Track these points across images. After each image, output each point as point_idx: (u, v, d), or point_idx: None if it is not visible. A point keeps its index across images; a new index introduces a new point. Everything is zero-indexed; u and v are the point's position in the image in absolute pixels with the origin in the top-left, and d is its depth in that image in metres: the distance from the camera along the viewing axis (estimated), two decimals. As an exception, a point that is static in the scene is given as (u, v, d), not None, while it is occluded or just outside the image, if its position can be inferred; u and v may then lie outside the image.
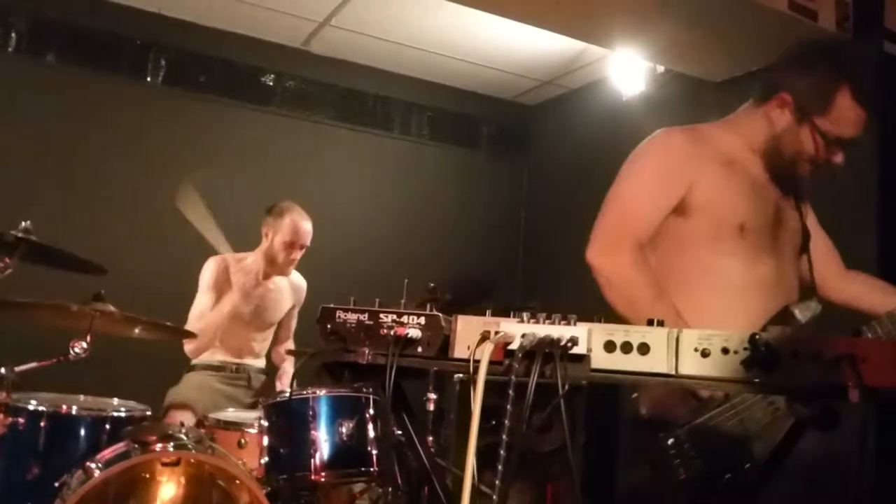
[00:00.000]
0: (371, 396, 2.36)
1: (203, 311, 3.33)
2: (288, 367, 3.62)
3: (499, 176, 5.41)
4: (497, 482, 0.98)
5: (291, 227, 3.44)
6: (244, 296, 3.36)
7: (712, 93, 3.92)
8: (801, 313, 1.80)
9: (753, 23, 3.26)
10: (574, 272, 5.02)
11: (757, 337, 1.13)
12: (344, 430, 2.33)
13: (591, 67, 4.67)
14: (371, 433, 2.37)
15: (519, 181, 5.48)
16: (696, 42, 3.53)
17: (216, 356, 3.48)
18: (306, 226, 3.49)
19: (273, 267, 3.49)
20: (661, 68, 4.25)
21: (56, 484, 2.20)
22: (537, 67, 4.81)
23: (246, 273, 3.35)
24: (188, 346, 3.32)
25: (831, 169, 2.01)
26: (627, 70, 4.40)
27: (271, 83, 4.72)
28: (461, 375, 1.19)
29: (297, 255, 3.49)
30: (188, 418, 3.14)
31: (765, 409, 1.72)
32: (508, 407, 1.02)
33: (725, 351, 1.15)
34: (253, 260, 3.45)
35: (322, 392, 2.38)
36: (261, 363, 3.61)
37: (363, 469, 2.38)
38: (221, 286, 3.40)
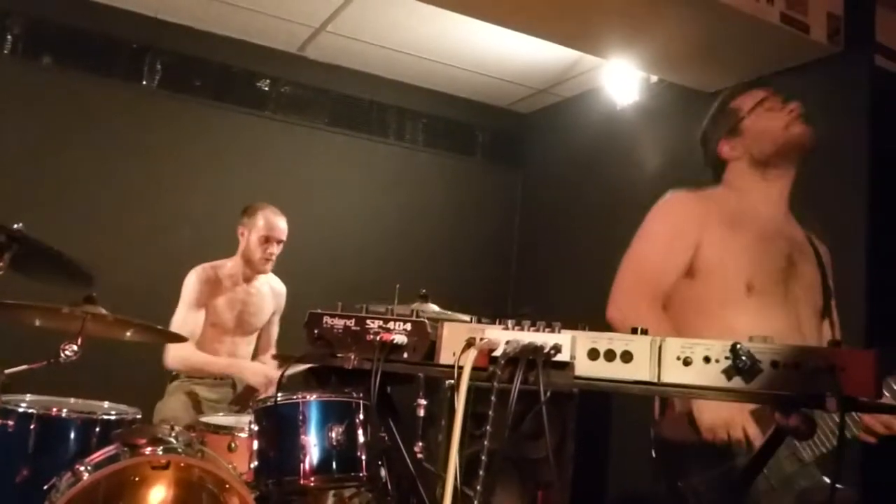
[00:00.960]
0: (361, 401, 2.37)
1: (182, 328, 3.29)
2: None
3: (493, 183, 5.42)
4: (478, 487, 0.99)
5: (265, 222, 3.49)
6: (229, 303, 3.45)
7: (705, 103, 3.92)
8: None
9: (746, 35, 3.29)
10: (567, 279, 5.05)
11: (738, 346, 1.15)
12: (333, 434, 2.34)
13: (585, 76, 4.70)
14: (361, 438, 2.38)
15: (513, 188, 5.49)
16: (690, 53, 3.55)
17: None
18: (280, 222, 3.53)
19: (251, 266, 3.51)
20: (654, 78, 4.28)
21: (45, 486, 2.20)
22: (532, 76, 4.83)
23: (230, 278, 3.48)
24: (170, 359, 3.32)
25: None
26: (621, 79, 4.42)
27: (267, 88, 4.74)
28: (452, 381, 1.20)
29: (274, 249, 3.50)
30: None
31: (790, 459, 1.72)
32: (490, 413, 1.03)
33: (707, 360, 1.17)
34: (232, 265, 3.51)
35: (312, 397, 2.39)
36: None
37: (352, 474, 2.39)
38: (206, 300, 3.43)
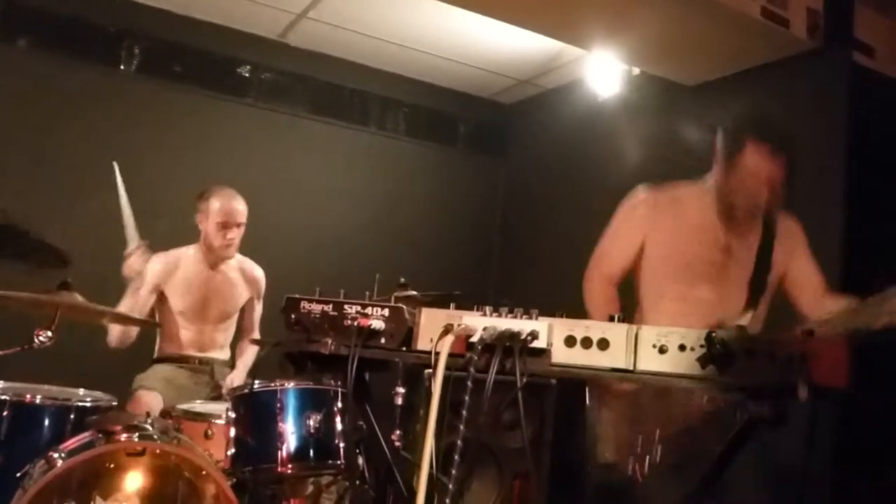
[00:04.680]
0: (339, 389, 2.36)
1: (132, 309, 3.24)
2: (241, 364, 3.51)
3: (475, 173, 5.42)
4: (453, 472, 0.99)
5: (220, 208, 3.39)
6: (188, 290, 3.41)
7: (686, 96, 3.96)
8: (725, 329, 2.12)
9: (726, 29, 3.31)
10: (548, 270, 5.08)
11: (713, 335, 1.16)
12: (311, 422, 2.33)
13: (567, 68, 4.70)
14: (339, 426, 2.36)
15: (495, 179, 5.50)
16: (671, 46, 3.57)
17: (179, 350, 3.45)
18: (236, 204, 3.42)
19: (213, 253, 3.45)
20: (636, 70, 4.29)
21: (18, 474, 2.17)
22: (515, 66, 4.83)
23: (192, 266, 3.44)
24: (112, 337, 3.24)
25: None
26: (603, 71, 4.43)
27: (247, 74, 4.69)
28: (430, 370, 1.20)
29: (233, 234, 3.41)
30: (157, 402, 3.13)
31: None
32: (466, 398, 1.03)
33: (682, 348, 1.18)
34: (195, 251, 3.48)
35: (290, 384, 2.37)
36: (225, 355, 3.56)
37: (330, 462, 2.38)
38: (156, 287, 3.39)
